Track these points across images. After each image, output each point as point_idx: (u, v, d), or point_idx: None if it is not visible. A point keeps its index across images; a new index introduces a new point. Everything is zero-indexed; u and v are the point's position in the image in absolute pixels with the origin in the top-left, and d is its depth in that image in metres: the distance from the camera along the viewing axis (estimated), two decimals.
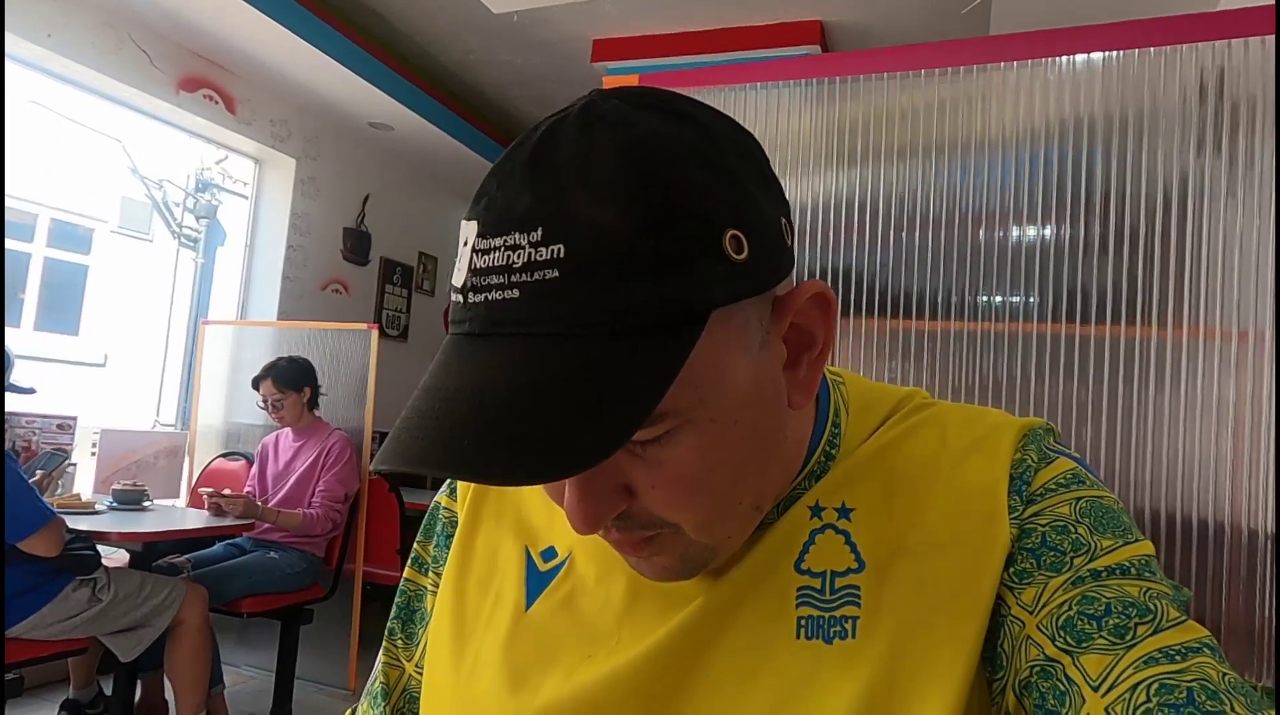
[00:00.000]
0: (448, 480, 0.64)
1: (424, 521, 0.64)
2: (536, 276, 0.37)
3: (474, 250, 0.40)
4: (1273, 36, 1.12)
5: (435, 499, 0.64)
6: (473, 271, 0.40)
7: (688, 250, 0.38)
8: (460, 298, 0.41)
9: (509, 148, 0.42)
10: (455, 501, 0.62)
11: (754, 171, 0.43)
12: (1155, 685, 0.38)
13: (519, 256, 0.38)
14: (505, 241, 0.38)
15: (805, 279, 0.47)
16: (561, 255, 0.37)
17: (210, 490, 3.10)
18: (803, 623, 0.47)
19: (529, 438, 0.36)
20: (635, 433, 0.37)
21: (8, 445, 2.28)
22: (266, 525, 3.19)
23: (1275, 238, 1.10)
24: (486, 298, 0.39)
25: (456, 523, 0.60)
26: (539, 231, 0.37)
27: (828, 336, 0.46)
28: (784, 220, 0.44)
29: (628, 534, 0.44)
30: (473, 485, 0.60)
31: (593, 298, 0.37)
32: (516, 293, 0.38)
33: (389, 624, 0.63)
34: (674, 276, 0.38)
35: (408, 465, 0.37)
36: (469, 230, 0.40)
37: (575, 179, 0.38)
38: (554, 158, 0.39)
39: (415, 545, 0.64)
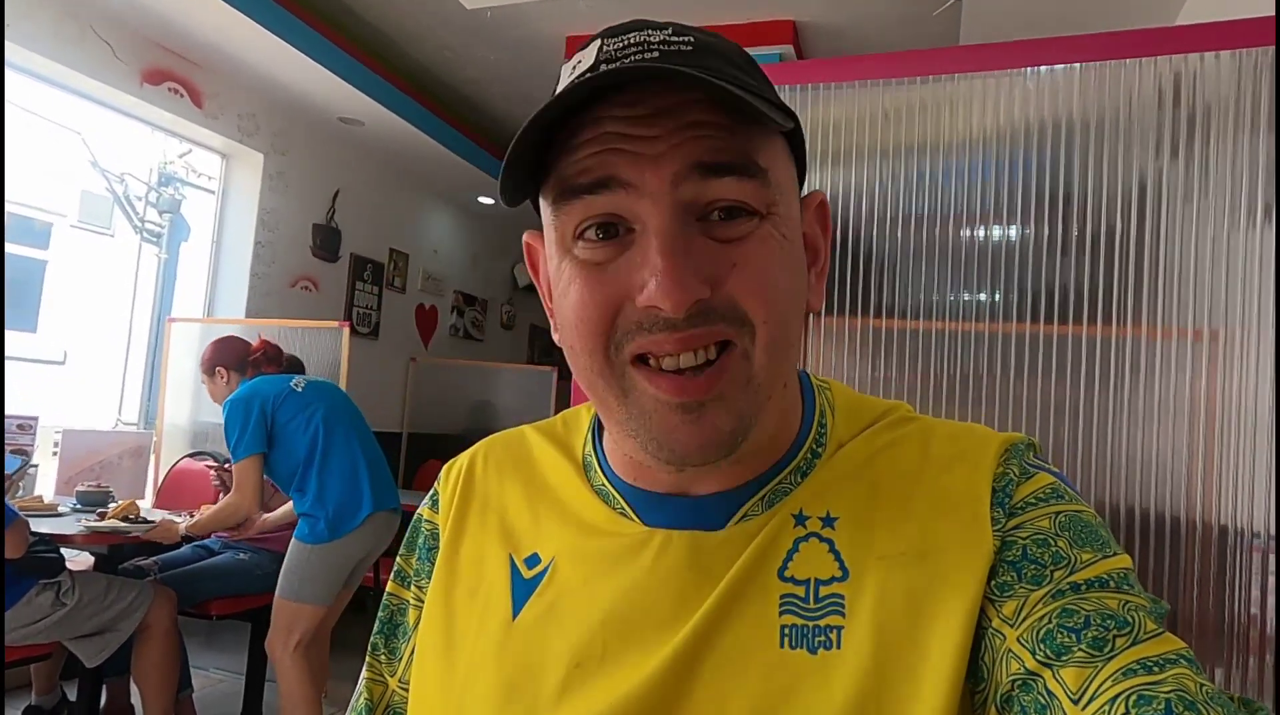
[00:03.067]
0: (430, 493, 0.63)
1: (406, 535, 0.63)
2: (672, 48, 0.45)
3: (603, 43, 0.46)
4: (1229, 52, 1.16)
5: (418, 512, 0.63)
6: (604, 53, 0.45)
7: (767, 86, 0.48)
8: (589, 74, 0.45)
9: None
10: (437, 513, 0.61)
11: None
12: (1134, 697, 0.39)
13: (654, 37, 0.46)
14: (639, 34, 0.46)
15: None
16: (691, 42, 0.46)
17: (216, 466, 3.09)
18: (786, 631, 0.47)
19: (719, 83, 0.42)
20: (793, 120, 0.47)
21: None
22: None
23: (1276, 240, 1.13)
24: (623, 63, 0.44)
25: (439, 535, 0.60)
26: (669, 29, 0.46)
27: (828, 251, 0.54)
28: None
29: (703, 328, 0.44)
30: (456, 496, 0.60)
31: (717, 67, 0.45)
32: (656, 54, 0.45)
33: (372, 639, 0.62)
34: (765, 87, 0.48)
35: (646, 72, 0.43)
36: (587, 50, 0.47)
37: (685, 25, 0.48)
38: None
39: (398, 559, 0.63)
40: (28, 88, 3.48)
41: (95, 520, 2.70)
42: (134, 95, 3.56)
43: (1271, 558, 1.07)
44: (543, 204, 0.49)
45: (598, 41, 0.46)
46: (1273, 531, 1.08)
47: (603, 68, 0.44)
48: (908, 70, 1.31)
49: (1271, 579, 1.07)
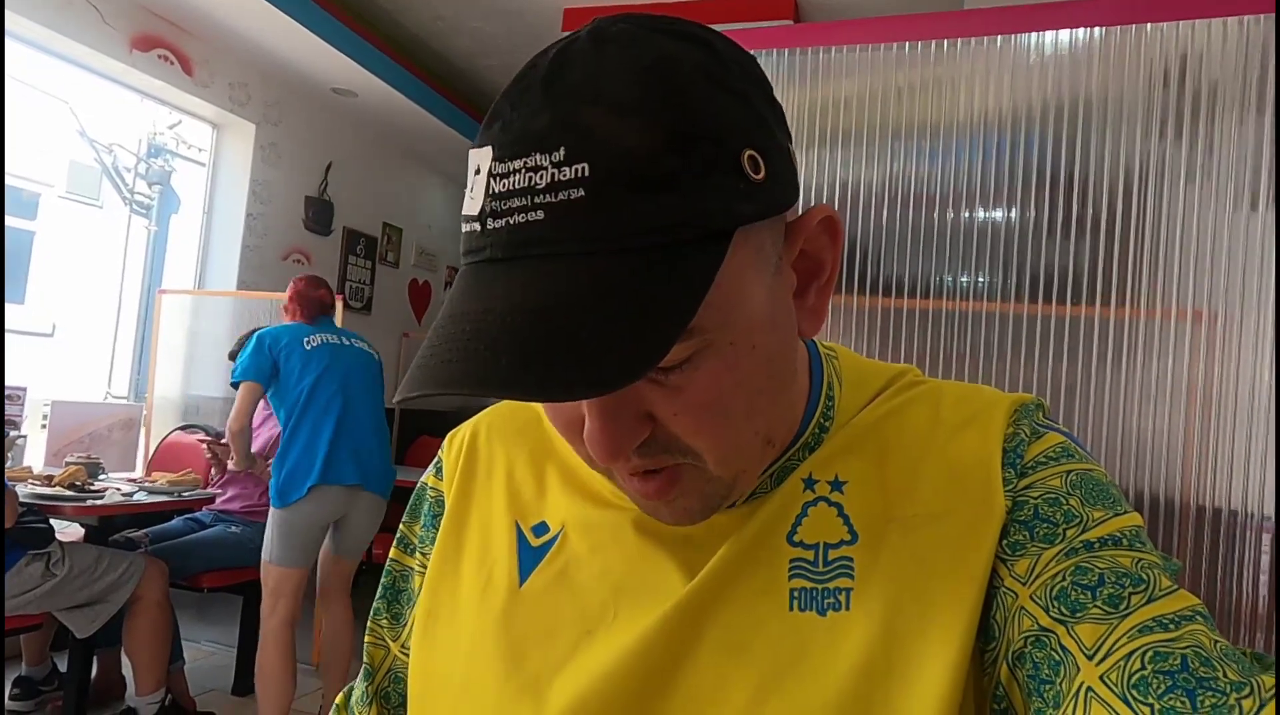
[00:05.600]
0: (434, 461, 0.63)
1: (410, 502, 0.63)
2: (561, 196, 0.37)
3: (490, 175, 0.39)
4: (1236, 18, 1.14)
5: (422, 479, 0.63)
6: (491, 196, 0.39)
7: (710, 168, 0.38)
8: (477, 226, 0.40)
9: (520, 71, 0.41)
10: (442, 481, 0.61)
11: (764, 95, 0.42)
12: (1149, 653, 0.39)
13: (541, 177, 0.37)
14: (525, 163, 0.37)
15: None
16: (586, 174, 0.36)
17: (208, 439, 3.11)
18: (795, 595, 0.47)
19: (565, 354, 0.35)
20: (669, 349, 0.36)
21: None
22: (229, 495, 3.15)
23: (1276, 222, 1.13)
24: (508, 222, 0.38)
25: (444, 502, 0.59)
26: (561, 151, 0.37)
27: (835, 263, 0.47)
28: (790, 145, 0.44)
29: (650, 459, 0.43)
30: (460, 464, 0.60)
31: (620, 215, 0.37)
32: (541, 213, 0.37)
33: (375, 604, 0.62)
34: (698, 193, 0.37)
35: (442, 387, 0.36)
36: (482, 157, 0.39)
37: (594, 98, 0.37)
38: (570, 77, 0.38)
39: (401, 526, 0.63)
40: (13, 52, 3.41)
41: (42, 486, 2.68)
42: (123, 62, 3.50)
43: (1266, 537, 1.08)
44: None
45: (489, 155, 0.39)
46: (1270, 513, 1.09)
47: (488, 223, 0.38)
48: (909, 34, 1.30)
49: (1266, 558, 1.08)
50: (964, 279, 1.29)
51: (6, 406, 3.09)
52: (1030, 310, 1.24)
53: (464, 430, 0.62)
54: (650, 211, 0.37)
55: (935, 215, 1.30)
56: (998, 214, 1.28)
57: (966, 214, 1.29)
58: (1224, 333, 1.14)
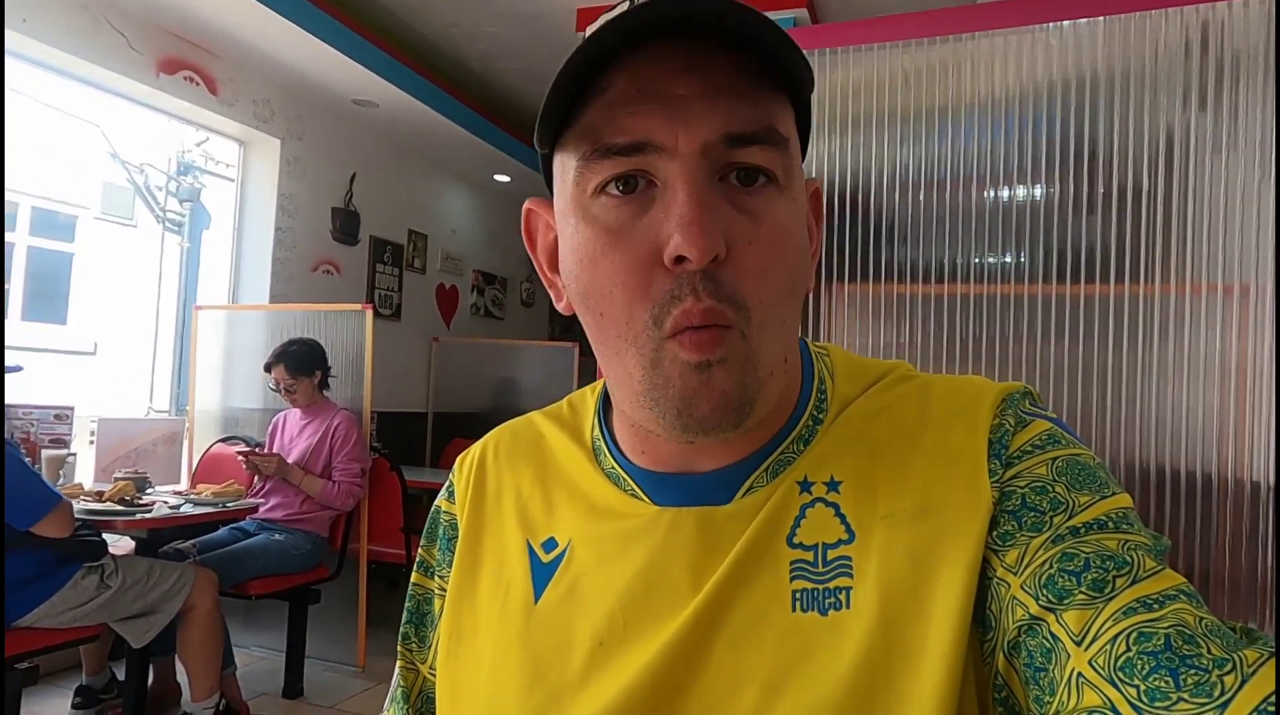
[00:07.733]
0: (446, 484, 0.64)
1: (426, 525, 0.65)
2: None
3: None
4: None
5: (435, 503, 0.64)
6: (637, 3, 0.44)
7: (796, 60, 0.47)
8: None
9: None
10: (454, 504, 0.62)
11: None
12: (1134, 634, 0.39)
13: None
14: None
15: None
16: None
17: (245, 450, 3.20)
18: (798, 596, 0.48)
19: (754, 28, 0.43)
20: (811, 82, 0.47)
21: (6, 435, 2.29)
22: (271, 504, 3.22)
23: (1276, 193, 1.11)
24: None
25: (457, 525, 0.61)
26: None
27: (819, 240, 0.55)
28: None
29: (711, 301, 0.44)
30: (471, 487, 0.61)
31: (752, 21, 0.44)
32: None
33: (402, 628, 0.64)
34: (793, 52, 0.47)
35: None
36: (622, 3, 0.45)
37: None
38: None
39: (420, 550, 0.64)
40: (45, 81, 3.51)
41: (93, 501, 2.75)
42: (150, 85, 3.58)
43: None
44: (562, 158, 0.48)
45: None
46: (1271, 482, 1.07)
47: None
48: (928, 30, 1.29)
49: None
50: (990, 260, 1.29)
51: (57, 426, 3.19)
52: (1058, 290, 1.23)
53: (473, 453, 0.64)
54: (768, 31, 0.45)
55: (957, 198, 1.30)
56: (1021, 193, 1.27)
57: (989, 194, 1.28)
58: (1257, 306, 1.13)
